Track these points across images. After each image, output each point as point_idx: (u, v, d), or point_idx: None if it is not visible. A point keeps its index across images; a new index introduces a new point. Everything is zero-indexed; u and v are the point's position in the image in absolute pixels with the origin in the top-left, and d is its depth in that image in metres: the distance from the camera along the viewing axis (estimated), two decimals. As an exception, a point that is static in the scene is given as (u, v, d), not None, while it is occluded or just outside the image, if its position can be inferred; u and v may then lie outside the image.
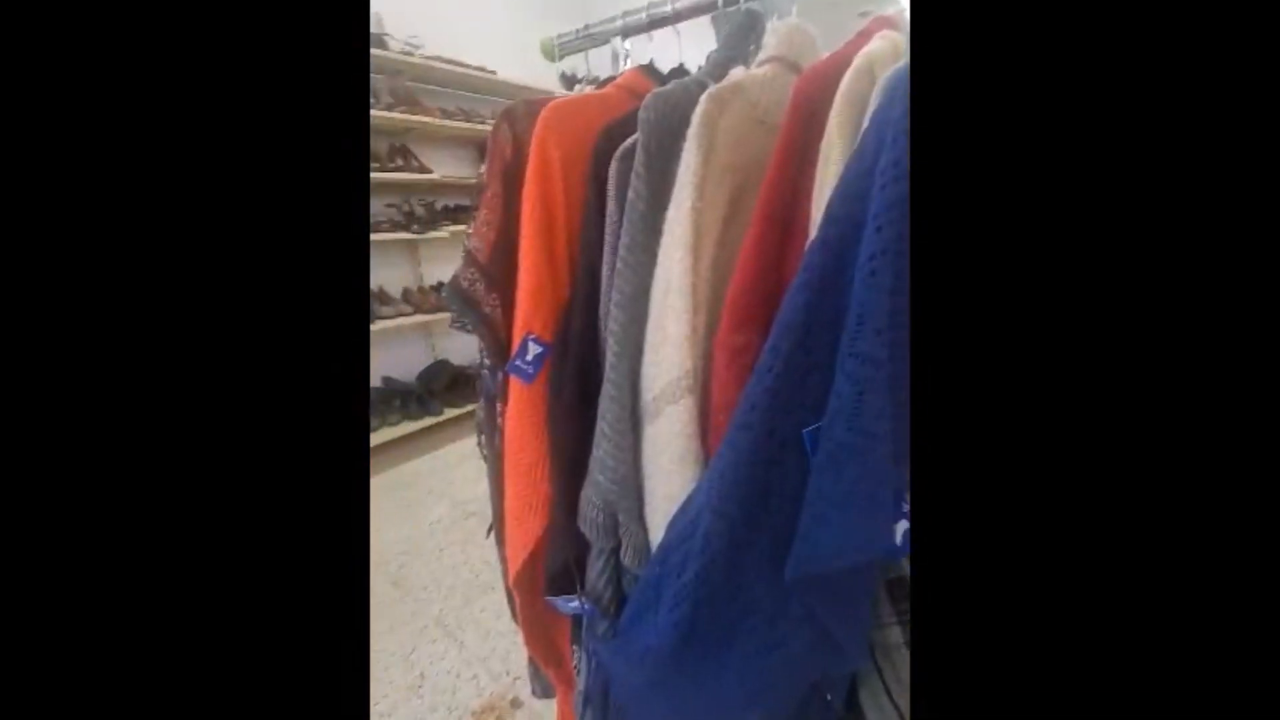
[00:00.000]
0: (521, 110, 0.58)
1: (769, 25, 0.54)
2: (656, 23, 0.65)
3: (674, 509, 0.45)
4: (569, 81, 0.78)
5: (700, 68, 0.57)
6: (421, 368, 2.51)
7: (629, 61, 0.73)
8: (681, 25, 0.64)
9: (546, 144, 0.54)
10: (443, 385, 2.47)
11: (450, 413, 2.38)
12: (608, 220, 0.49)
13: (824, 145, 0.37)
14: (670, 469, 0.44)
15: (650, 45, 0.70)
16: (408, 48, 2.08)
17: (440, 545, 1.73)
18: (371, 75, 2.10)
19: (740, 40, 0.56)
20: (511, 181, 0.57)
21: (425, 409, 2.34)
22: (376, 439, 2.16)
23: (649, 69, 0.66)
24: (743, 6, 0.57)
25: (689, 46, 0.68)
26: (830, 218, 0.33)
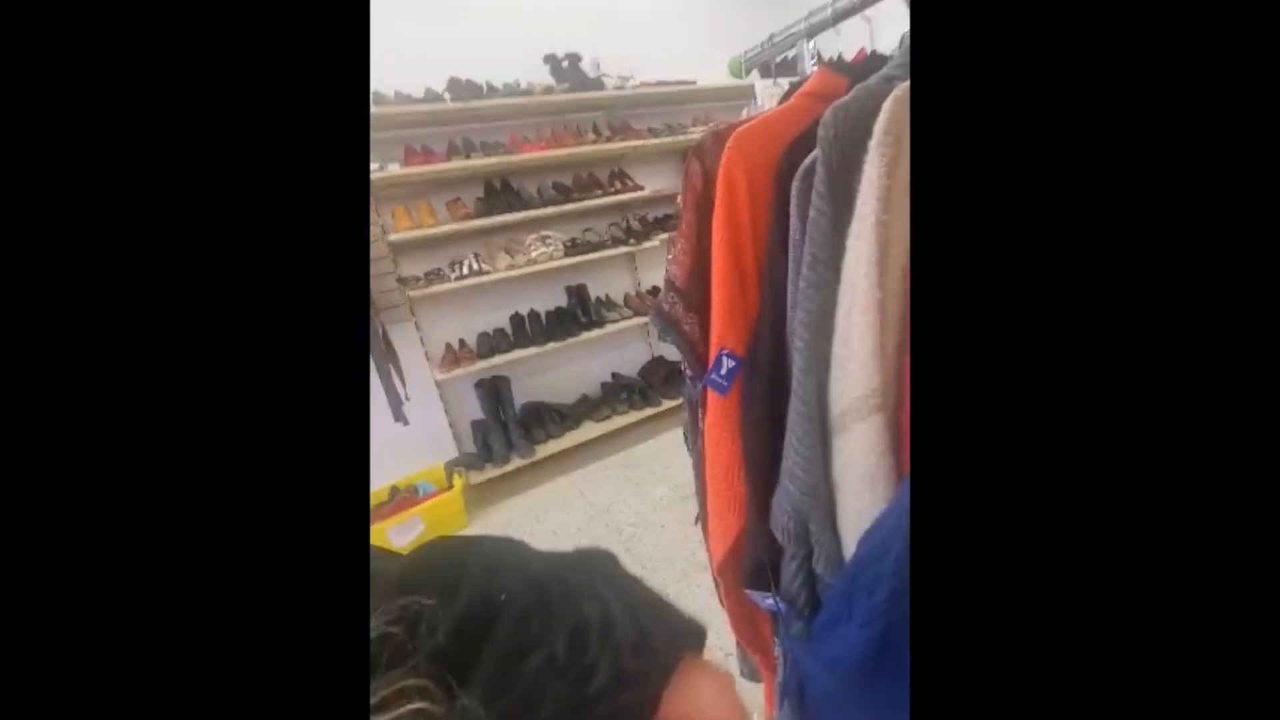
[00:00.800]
0: (710, 143, 0.63)
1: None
2: (841, 15, 0.62)
3: (865, 524, 0.45)
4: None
5: (892, 57, 0.53)
6: (642, 364, 2.82)
7: (818, 60, 0.71)
8: (872, 10, 0.60)
9: (733, 170, 0.58)
10: (660, 379, 2.73)
11: (667, 404, 2.62)
12: (791, 239, 0.51)
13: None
14: (859, 487, 0.44)
15: (840, 40, 0.67)
16: (620, 81, 2.34)
17: (663, 521, 1.93)
18: (592, 113, 2.45)
19: (941, 14, 0.50)
20: (703, 210, 0.63)
21: (646, 400, 2.63)
22: (609, 425, 2.52)
23: (837, 64, 0.63)
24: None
25: (886, 30, 0.63)
26: None
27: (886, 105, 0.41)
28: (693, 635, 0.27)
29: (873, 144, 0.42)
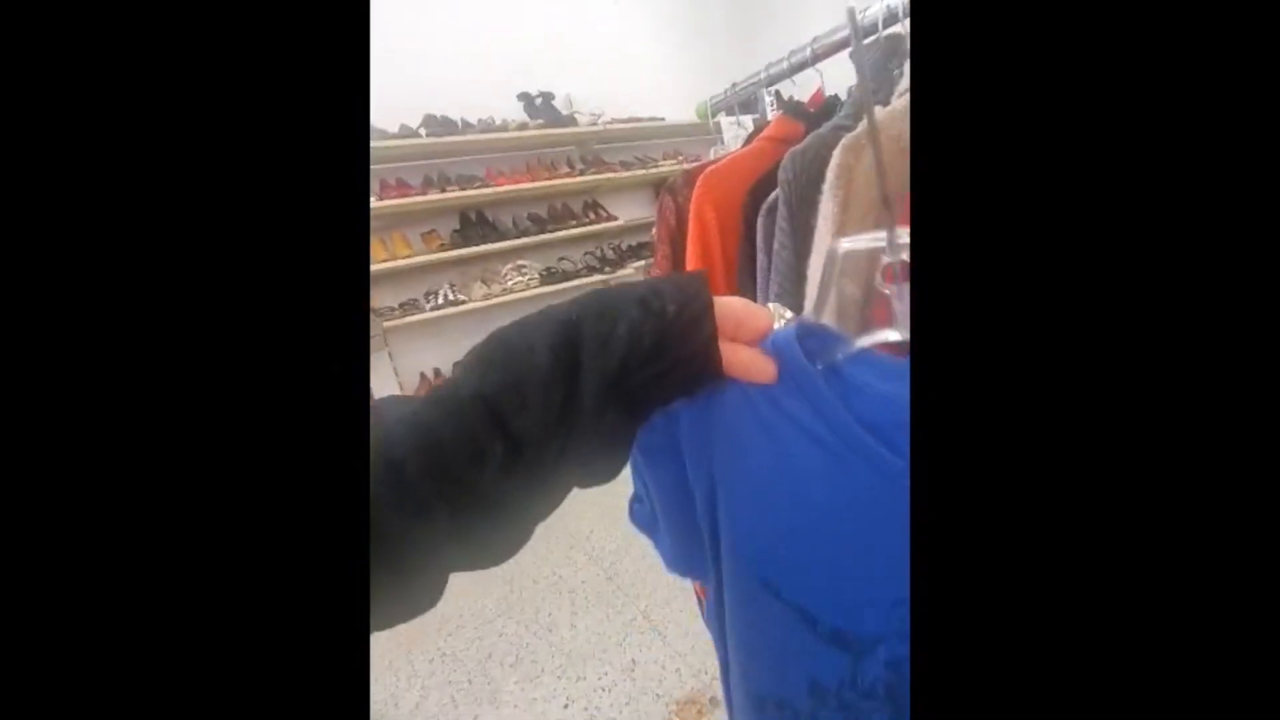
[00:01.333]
0: (681, 181, 0.69)
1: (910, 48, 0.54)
2: (797, 67, 0.69)
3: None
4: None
5: (841, 106, 0.60)
6: (619, 389, 2.85)
7: (775, 107, 0.78)
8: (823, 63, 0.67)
9: (703, 207, 0.63)
10: (637, 404, 2.76)
11: (645, 429, 2.64)
12: (758, 269, 0.56)
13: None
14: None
15: (795, 86, 0.74)
16: (592, 118, 2.44)
17: (646, 544, 1.92)
18: (565, 148, 2.53)
19: (880, 72, 0.56)
20: (678, 243, 0.68)
21: (624, 426, 2.64)
22: (587, 453, 2.51)
23: (795, 110, 0.70)
24: (881, 36, 0.57)
25: (835, 76, 0.70)
26: None
27: (837, 152, 0.46)
28: (700, 280, 0.26)
29: (826, 186, 0.47)
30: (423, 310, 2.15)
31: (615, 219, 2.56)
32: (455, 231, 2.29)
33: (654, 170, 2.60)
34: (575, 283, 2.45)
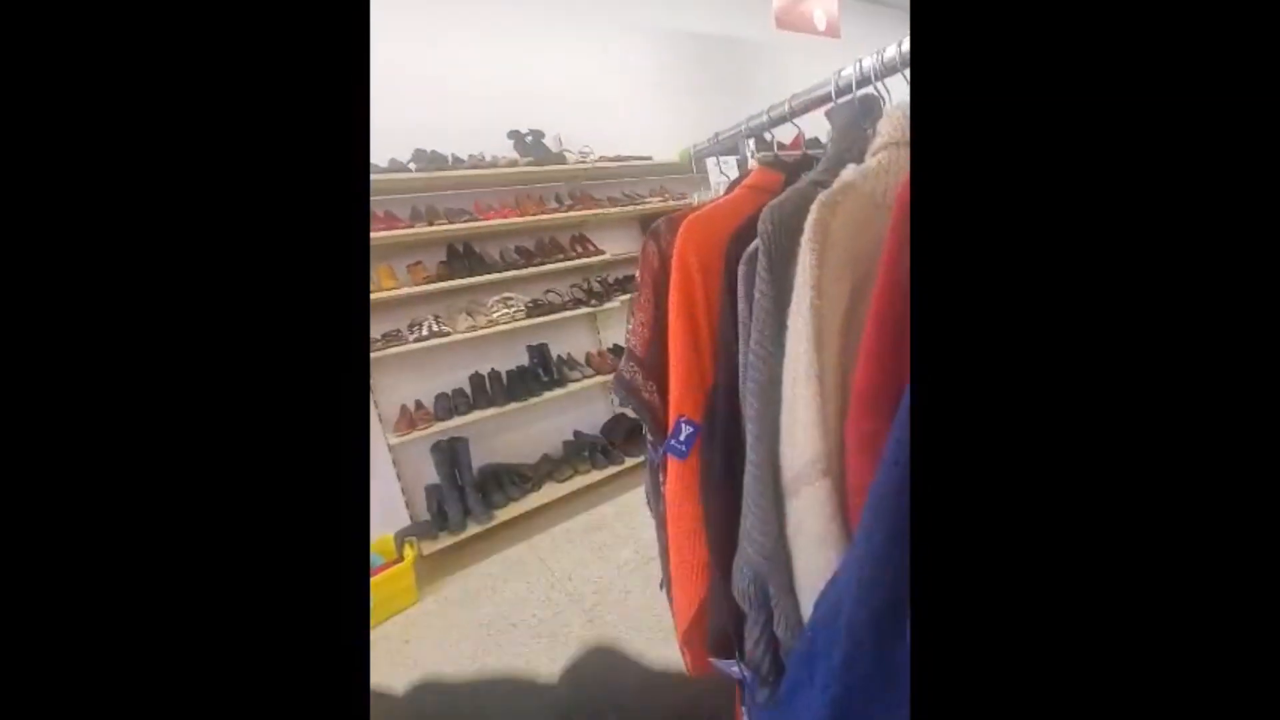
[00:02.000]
0: (664, 227, 0.70)
1: (884, 110, 0.56)
2: (776, 121, 0.71)
3: (820, 585, 0.47)
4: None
5: (819, 160, 0.62)
6: (603, 422, 2.82)
7: (757, 156, 0.81)
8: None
9: (686, 253, 0.64)
10: (622, 436, 2.72)
11: (630, 461, 2.60)
12: (739, 317, 0.56)
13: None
14: (811, 549, 0.47)
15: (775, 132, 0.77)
16: (580, 156, 2.50)
17: (627, 588, 1.87)
18: (554, 184, 2.58)
19: (854, 129, 0.59)
20: (660, 288, 0.68)
21: (609, 458, 2.61)
22: (572, 486, 2.47)
23: (774, 163, 0.72)
24: (856, 96, 0.60)
25: (811, 127, 0.73)
26: None
27: (813, 209, 0.48)
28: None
29: (804, 239, 0.48)
30: (405, 341, 2.12)
31: (602, 253, 2.59)
32: (442, 263, 2.29)
33: (641, 206, 2.65)
34: (561, 314, 2.45)
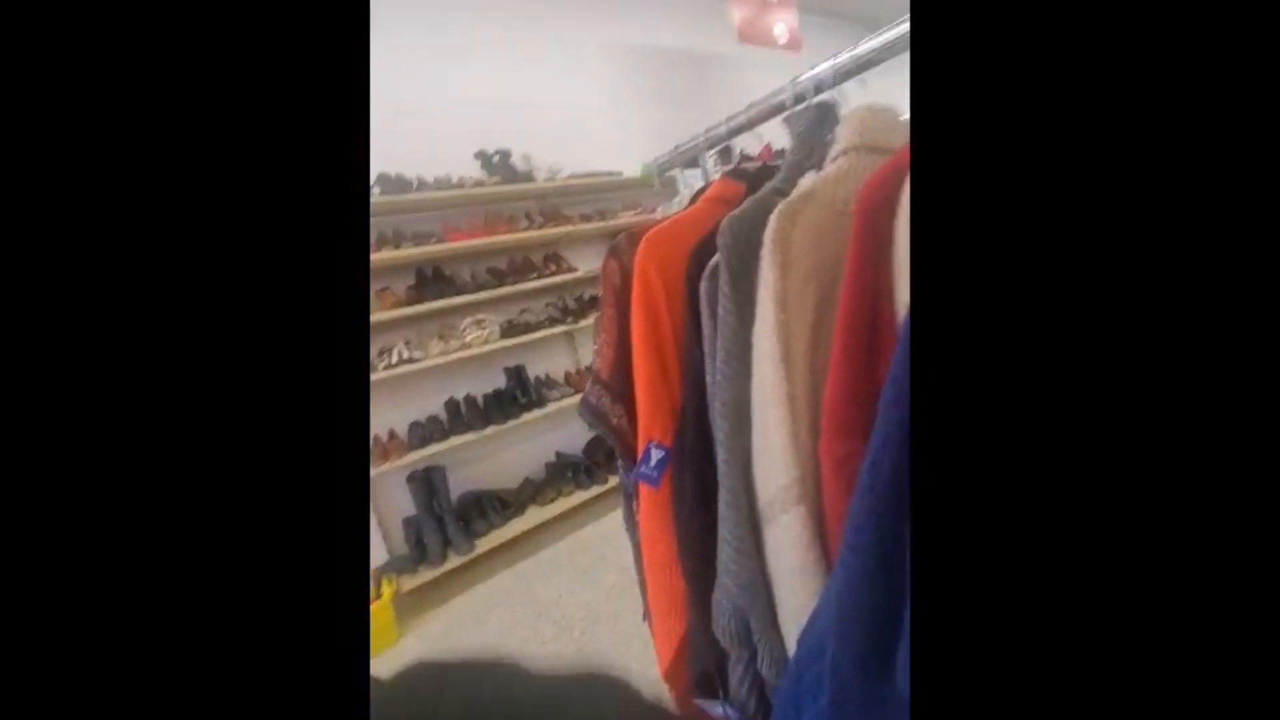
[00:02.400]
0: (625, 243, 0.67)
1: (842, 114, 0.55)
2: (735, 131, 0.70)
3: (805, 618, 0.44)
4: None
5: (779, 168, 0.60)
6: (586, 441, 2.76)
7: (718, 168, 0.79)
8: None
9: (648, 269, 0.62)
10: (605, 454, 2.67)
11: (614, 480, 2.55)
12: (704, 335, 0.54)
13: (895, 251, 0.37)
14: (791, 580, 0.44)
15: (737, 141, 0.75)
16: (549, 173, 2.48)
17: (616, 611, 1.81)
18: (524, 202, 2.55)
19: (813, 137, 0.57)
20: (623, 306, 0.65)
21: (593, 478, 2.55)
22: (555, 509, 2.40)
23: (735, 172, 0.71)
24: (812, 103, 0.59)
25: (773, 135, 0.71)
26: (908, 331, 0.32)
27: (772, 219, 0.45)
28: None
29: (764, 252, 0.46)
30: (375, 370, 2.05)
31: (575, 270, 2.56)
32: (411, 288, 2.24)
33: (613, 221, 2.64)
34: (537, 334, 2.41)
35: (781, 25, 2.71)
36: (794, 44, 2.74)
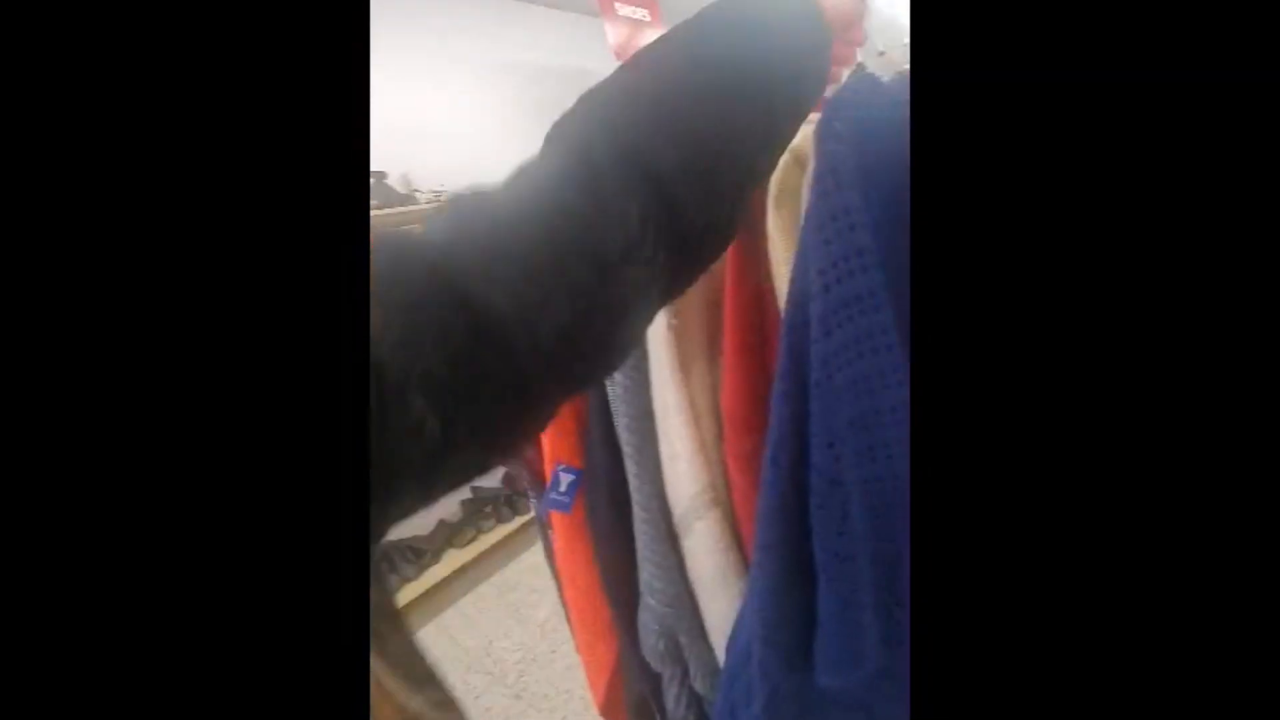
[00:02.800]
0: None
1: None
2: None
3: (730, 625, 0.43)
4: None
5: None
6: (502, 470, 2.63)
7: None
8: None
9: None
10: (526, 481, 2.56)
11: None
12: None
13: (770, 248, 0.38)
14: (714, 587, 0.43)
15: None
16: (432, 194, 2.36)
17: (552, 647, 1.73)
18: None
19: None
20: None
21: (515, 509, 2.43)
22: (477, 548, 2.24)
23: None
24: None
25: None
26: (789, 324, 0.33)
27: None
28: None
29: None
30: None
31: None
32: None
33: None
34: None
35: (656, 46, 2.82)
36: (670, 63, 2.86)
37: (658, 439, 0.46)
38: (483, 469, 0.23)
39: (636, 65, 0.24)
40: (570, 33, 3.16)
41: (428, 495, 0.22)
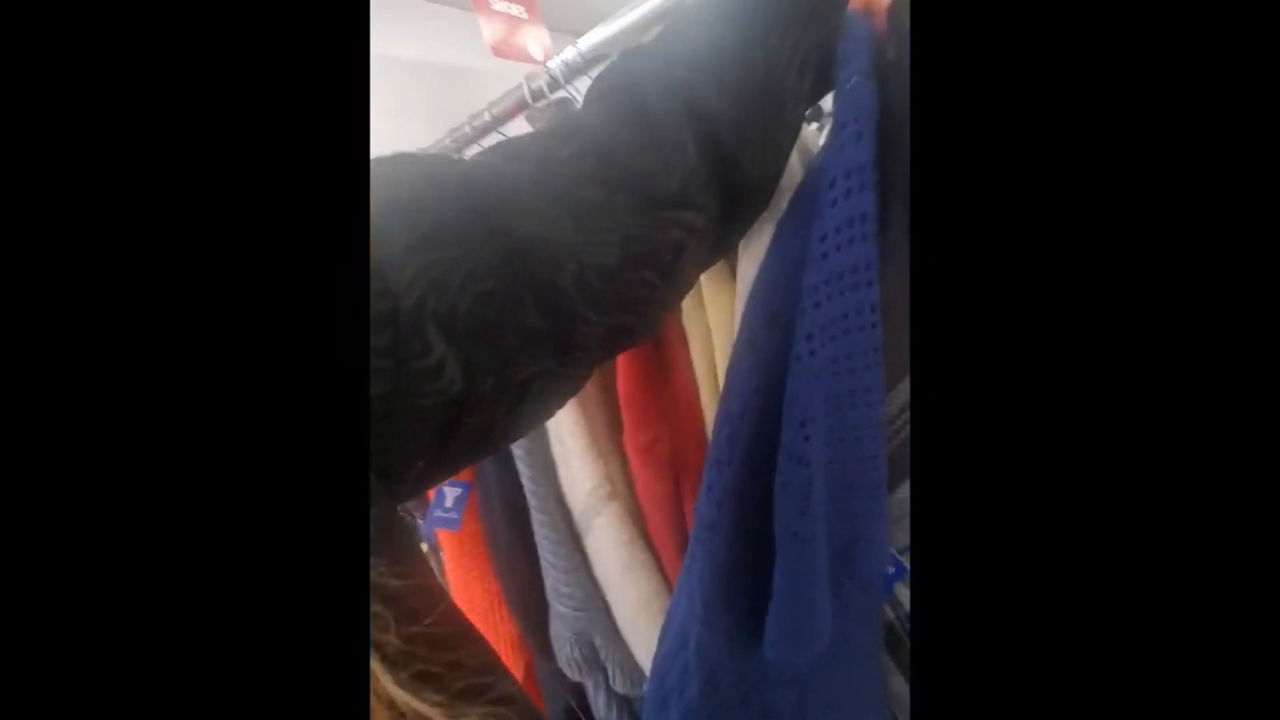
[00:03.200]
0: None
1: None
2: (480, 132, 0.65)
3: (646, 618, 0.42)
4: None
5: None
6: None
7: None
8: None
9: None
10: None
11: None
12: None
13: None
14: (623, 583, 0.42)
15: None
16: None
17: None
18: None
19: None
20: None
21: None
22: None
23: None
24: (551, 100, 0.58)
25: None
26: (769, 289, 0.30)
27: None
28: None
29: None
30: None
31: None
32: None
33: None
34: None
35: (534, 43, 2.75)
36: (549, 58, 2.81)
37: (548, 437, 0.44)
38: (506, 438, 0.21)
39: (669, 28, 0.23)
40: (437, 31, 2.95)
41: (442, 458, 0.19)
